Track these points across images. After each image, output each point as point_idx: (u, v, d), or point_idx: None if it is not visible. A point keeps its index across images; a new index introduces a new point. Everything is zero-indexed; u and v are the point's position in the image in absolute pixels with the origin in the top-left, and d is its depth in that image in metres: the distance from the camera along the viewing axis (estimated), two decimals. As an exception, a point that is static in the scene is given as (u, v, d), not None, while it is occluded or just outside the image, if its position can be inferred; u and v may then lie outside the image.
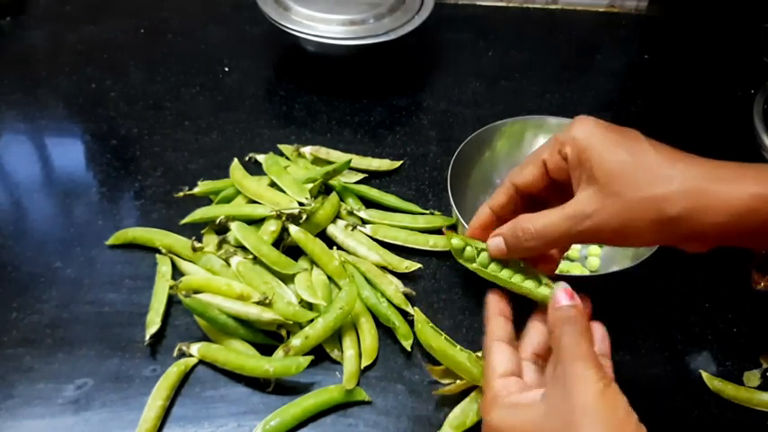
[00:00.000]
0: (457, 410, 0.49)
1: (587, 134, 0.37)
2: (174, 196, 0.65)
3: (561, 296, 0.38)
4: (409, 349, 0.54)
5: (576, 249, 0.62)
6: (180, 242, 0.59)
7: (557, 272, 0.46)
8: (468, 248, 0.44)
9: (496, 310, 0.42)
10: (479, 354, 0.52)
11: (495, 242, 0.42)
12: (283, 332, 0.53)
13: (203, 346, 0.53)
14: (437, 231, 0.63)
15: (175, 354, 0.53)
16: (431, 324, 0.53)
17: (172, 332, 0.55)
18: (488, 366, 0.39)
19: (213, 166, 0.69)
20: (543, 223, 0.38)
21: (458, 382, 0.50)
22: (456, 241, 0.44)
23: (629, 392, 0.52)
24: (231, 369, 0.51)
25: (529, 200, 0.42)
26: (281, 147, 0.70)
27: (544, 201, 0.42)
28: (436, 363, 0.52)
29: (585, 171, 0.37)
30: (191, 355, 0.53)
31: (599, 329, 0.41)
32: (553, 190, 0.41)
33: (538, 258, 0.43)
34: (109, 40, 0.85)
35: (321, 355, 0.54)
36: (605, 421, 0.32)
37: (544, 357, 0.41)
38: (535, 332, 0.42)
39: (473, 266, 0.44)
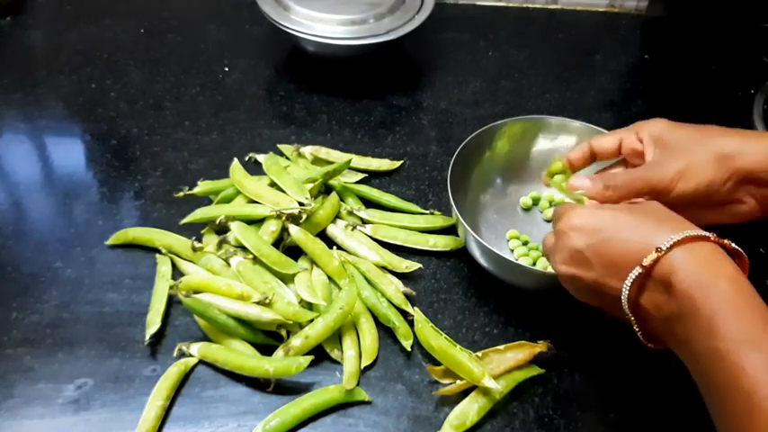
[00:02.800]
0: (457, 410, 0.49)
1: (660, 126, 0.48)
2: (174, 196, 0.65)
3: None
4: (409, 349, 0.54)
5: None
6: (180, 242, 0.59)
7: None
8: (559, 177, 0.54)
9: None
10: (479, 354, 0.52)
11: (587, 181, 0.50)
12: (283, 332, 0.53)
13: (203, 346, 0.53)
14: (437, 231, 0.63)
15: (175, 354, 0.53)
16: (431, 324, 0.53)
17: (172, 332, 0.55)
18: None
19: (213, 166, 0.69)
20: (625, 177, 0.48)
21: (458, 382, 0.50)
22: (559, 166, 0.54)
23: (629, 392, 0.53)
24: (231, 369, 0.51)
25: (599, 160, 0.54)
26: (281, 147, 0.70)
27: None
28: (436, 363, 0.52)
29: (658, 145, 0.47)
30: (191, 356, 0.53)
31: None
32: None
33: None
34: (109, 40, 0.85)
35: (321, 355, 0.54)
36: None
37: None
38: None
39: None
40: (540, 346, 0.52)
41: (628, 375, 0.54)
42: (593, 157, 0.53)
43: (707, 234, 0.37)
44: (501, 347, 0.52)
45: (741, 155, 0.44)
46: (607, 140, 0.52)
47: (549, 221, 0.65)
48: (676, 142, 0.46)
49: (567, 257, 0.43)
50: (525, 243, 0.62)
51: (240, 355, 0.52)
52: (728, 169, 0.44)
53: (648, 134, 0.48)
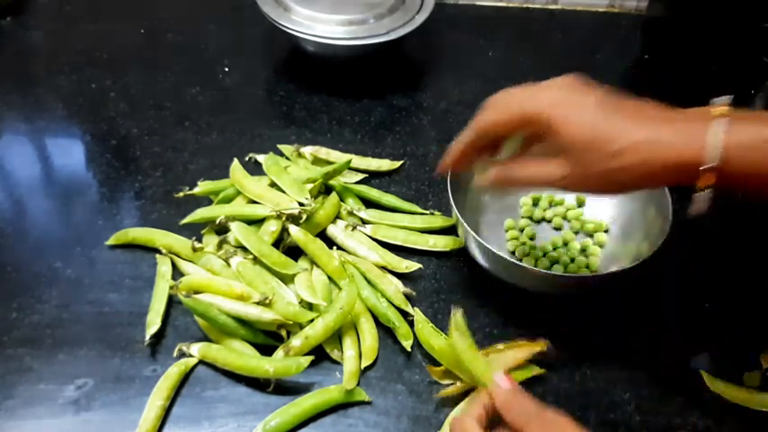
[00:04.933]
0: (457, 411, 0.50)
1: (552, 109, 0.42)
2: (174, 196, 0.65)
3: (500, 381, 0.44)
4: (409, 349, 0.54)
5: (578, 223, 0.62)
6: (180, 242, 0.59)
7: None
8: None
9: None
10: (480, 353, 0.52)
11: (490, 173, 0.48)
12: (283, 332, 0.53)
13: (203, 346, 0.53)
14: (437, 231, 0.63)
15: (175, 354, 0.53)
16: (431, 324, 0.53)
17: (172, 332, 0.55)
18: None
19: (213, 166, 0.69)
20: (529, 175, 0.45)
21: (458, 383, 0.50)
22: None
23: (629, 392, 0.53)
24: (231, 369, 0.51)
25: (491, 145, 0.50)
26: (281, 147, 0.70)
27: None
28: (436, 363, 0.52)
29: (554, 145, 0.42)
30: (191, 356, 0.53)
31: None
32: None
33: None
34: (109, 40, 0.85)
35: (321, 355, 0.54)
36: None
37: None
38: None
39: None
40: (540, 346, 0.52)
41: (628, 375, 0.54)
42: (484, 141, 0.49)
43: None
44: (500, 347, 0.53)
45: (655, 177, 0.40)
46: (499, 120, 0.47)
47: (549, 221, 0.65)
48: (575, 150, 0.41)
49: None
50: (532, 238, 0.63)
51: (241, 355, 0.52)
52: (620, 183, 0.42)
53: (542, 128, 0.43)
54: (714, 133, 0.36)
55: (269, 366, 0.50)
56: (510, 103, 0.46)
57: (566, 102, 0.42)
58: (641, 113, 0.41)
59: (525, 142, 0.49)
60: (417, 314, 0.54)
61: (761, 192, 0.37)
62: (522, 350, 0.52)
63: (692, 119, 0.39)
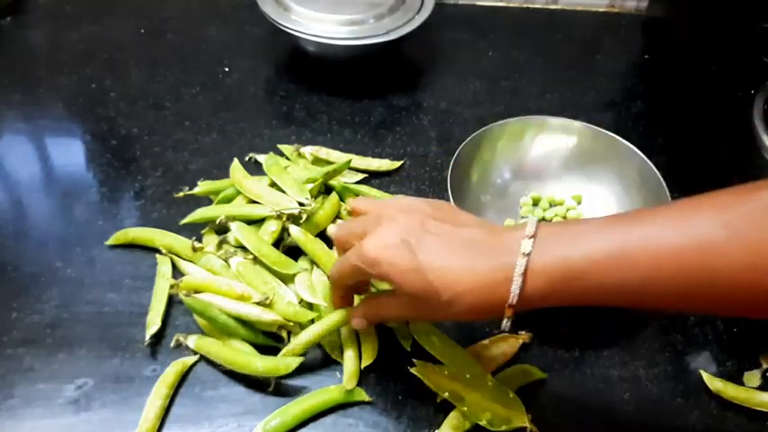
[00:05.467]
0: (457, 411, 0.49)
1: (390, 272, 0.41)
2: (174, 196, 0.65)
3: None
4: (409, 349, 0.54)
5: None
6: (180, 242, 0.59)
7: None
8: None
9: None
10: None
11: (359, 321, 0.49)
12: (284, 333, 0.53)
13: (199, 338, 0.53)
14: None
15: (173, 345, 0.53)
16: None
17: (172, 332, 0.55)
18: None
19: (213, 166, 0.69)
20: (386, 313, 0.48)
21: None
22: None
23: (629, 392, 0.53)
24: (224, 364, 0.51)
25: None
26: (281, 147, 0.70)
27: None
28: (437, 362, 0.52)
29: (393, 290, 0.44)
30: (187, 347, 0.53)
31: None
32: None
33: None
34: (109, 40, 0.85)
35: (321, 356, 0.54)
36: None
37: None
38: None
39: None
40: (523, 338, 0.53)
41: (628, 375, 0.54)
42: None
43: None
44: (486, 342, 0.53)
45: (483, 313, 0.42)
46: (342, 289, 0.50)
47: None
48: (415, 302, 0.43)
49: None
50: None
51: (234, 350, 0.52)
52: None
53: (380, 279, 0.46)
54: (517, 273, 0.39)
55: (259, 363, 0.50)
56: (345, 257, 0.46)
57: (392, 256, 0.41)
58: (458, 248, 0.41)
59: None
60: None
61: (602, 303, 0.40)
62: (506, 343, 0.53)
63: (502, 249, 0.40)
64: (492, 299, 0.39)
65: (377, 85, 0.80)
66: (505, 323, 0.40)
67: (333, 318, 0.51)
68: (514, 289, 0.38)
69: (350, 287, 0.50)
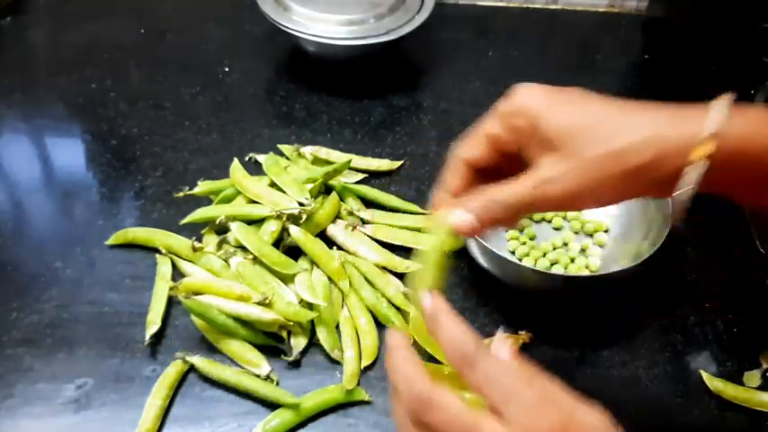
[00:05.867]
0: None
1: (534, 101, 0.36)
2: (174, 196, 0.65)
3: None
4: (409, 349, 0.54)
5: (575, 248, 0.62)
6: (180, 242, 0.59)
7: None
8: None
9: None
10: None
11: (462, 217, 0.37)
12: (284, 333, 0.53)
13: (202, 361, 0.52)
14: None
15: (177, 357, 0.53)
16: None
17: (172, 332, 0.55)
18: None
19: (213, 166, 0.69)
20: (511, 195, 0.36)
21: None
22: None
23: (629, 392, 0.53)
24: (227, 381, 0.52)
25: (480, 173, 0.40)
26: (281, 147, 0.70)
27: (495, 171, 0.40)
28: (437, 362, 0.52)
29: (541, 139, 0.36)
30: (191, 365, 0.53)
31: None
32: (504, 160, 0.39)
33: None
34: (109, 40, 0.85)
35: (321, 356, 0.54)
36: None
37: None
38: None
39: None
40: (523, 337, 0.53)
41: (628, 375, 0.54)
42: (475, 176, 0.40)
43: None
44: (486, 342, 0.53)
45: (654, 167, 0.34)
46: (477, 149, 0.39)
47: (549, 221, 0.65)
48: (566, 139, 0.35)
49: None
50: (532, 238, 0.63)
51: (235, 373, 0.52)
52: (638, 186, 0.35)
53: (523, 120, 0.36)
54: (718, 107, 0.35)
55: (265, 391, 0.50)
56: (483, 121, 0.39)
57: (546, 91, 0.37)
58: (631, 104, 0.37)
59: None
60: (413, 310, 0.55)
61: (750, 191, 0.35)
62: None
63: (691, 109, 0.37)
64: (683, 133, 0.34)
65: (377, 85, 0.80)
66: (685, 189, 0.33)
67: None
68: (715, 112, 0.33)
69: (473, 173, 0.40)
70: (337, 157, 0.69)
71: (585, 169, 0.35)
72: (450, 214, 0.37)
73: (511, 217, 0.37)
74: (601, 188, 0.35)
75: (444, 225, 0.38)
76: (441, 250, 0.38)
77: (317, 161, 0.69)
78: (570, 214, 0.64)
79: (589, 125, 0.35)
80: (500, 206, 0.37)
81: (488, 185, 0.38)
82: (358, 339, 0.54)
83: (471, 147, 0.39)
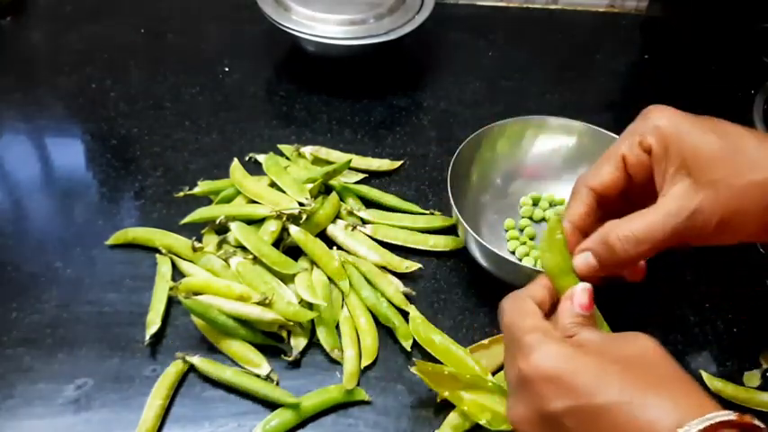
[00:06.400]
0: (457, 411, 0.49)
1: (671, 121, 0.34)
2: (174, 196, 0.65)
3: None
4: (409, 349, 0.54)
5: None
6: (180, 242, 0.59)
7: None
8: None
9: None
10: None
11: (584, 259, 0.37)
12: (284, 333, 0.53)
13: (202, 360, 0.52)
14: (437, 231, 0.63)
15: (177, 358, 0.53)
16: (427, 322, 0.54)
17: (172, 332, 0.55)
18: (520, 307, 0.37)
19: (213, 166, 0.69)
20: (643, 226, 0.34)
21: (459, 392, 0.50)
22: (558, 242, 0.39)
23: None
24: (228, 381, 0.51)
25: (603, 209, 0.38)
26: (281, 147, 0.70)
27: (618, 210, 0.37)
28: (437, 362, 0.52)
29: (675, 161, 0.33)
30: (192, 365, 0.53)
31: None
32: (624, 201, 0.38)
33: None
34: (109, 40, 0.85)
35: (321, 355, 0.54)
36: (672, 367, 0.31)
37: None
38: None
39: None
40: None
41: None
42: (601, 204, 0.38)
43: (731, 416, 0.28)
44: (485, 342, 0.53)
45: None
46: (606, 171, 0.37)
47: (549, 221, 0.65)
48: (705, 164, 0.32)
49: (535, 417, 0.32)
50: (532, 238, 0.63)
51: (236, 373, 0.52)
52: None
53: (658, 142, 0.34)
54: None
55: (266, 391, 0.50)
56: (612, 145, 0.37)
57: (681, 114, 0.34)
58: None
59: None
60: (413, 310, 0.55)
61: None
62: None
63: None
64: None
65: (377, 85, 0.80)
66: None
67: None
68: None
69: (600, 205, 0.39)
70: (337, 157, 0.69)
71: (726, 198, 0.32)
72: (575, 258, 0.37)
73: (646, 251, 0.35)
74: (744, 220, 0.33)
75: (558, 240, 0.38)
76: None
77: (317, 161, 0.69)
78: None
79: (729, 153, 0.33)
80: (630, 240, 0.34)
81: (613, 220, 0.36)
82: (358, 339, 0.54)
83: (599, 171, 0.38)
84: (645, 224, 0.34)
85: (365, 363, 0.53)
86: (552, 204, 0.65)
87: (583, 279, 0.38)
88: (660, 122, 0.35)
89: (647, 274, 0.57)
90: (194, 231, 0.61)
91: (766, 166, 0.32)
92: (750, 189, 0.32)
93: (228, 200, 0.62)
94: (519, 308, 0.36)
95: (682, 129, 0.34)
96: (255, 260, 0.57)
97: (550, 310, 0.38)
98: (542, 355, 0.32)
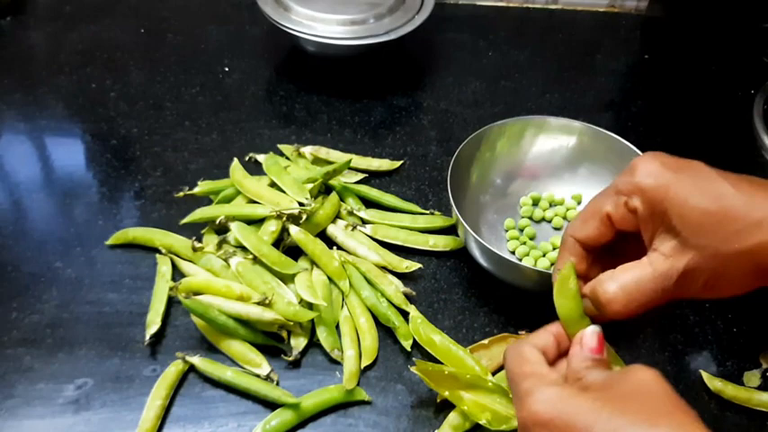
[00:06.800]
0: (457, 410, 0.49)
1: (656, 182, 0.34)
2: (174, 196, 0.65)
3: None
4: (409, 349, 0.54)
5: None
6: (180, 242, 0.59)
7: None
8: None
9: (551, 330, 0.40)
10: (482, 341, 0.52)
11: (588, 304, 0.38)
12: (284, 333, 0.53)
13: (202, 360, 0.52)
14: (437, 231, 0.63)
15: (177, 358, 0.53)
16: (427, 322, 0.54)
17: (172, 332, 0.55)
18: (520, 354, 0.37)
19: (213, 166, 0.69)
20: (630, 283, 0.35)
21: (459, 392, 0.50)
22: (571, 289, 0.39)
23: (629, 392, 0.53)
24: (228, 381, 0.51)
25: (595, 251, 0.39)
26: (281, 147, 0.70)
27: (611, 249, 0.39)
28: (437, 362, 0.52)
29: (662, 224, 0.34)
30: (192, 364, 0.53)
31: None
32: (620, 238, 0.38)
33: None
34: (109, 40, 0.85)
35: (321, 355, 0.54)
36: (669, 399, 0.31)
37: None
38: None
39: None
40: (523, 337, 0.53)
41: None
42: (591, 252, 0.40)
43: None
44: (485, 342, 0.53)
45: None
46: (591, 227, 0.38)
47: (549, 221, 0.65)
48: (693, 228, 0.33)
49: None
50: (532, 238, 0.63)
51: (236, 374, 0.52)
52: None
53: (644, 204, 0.35)
54: None
55: (266, 391, 0.50)
56: (597, 198, 0.38)
57: (667, 169, 0.34)
58: (760, 186, 0.33)
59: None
60: (413, 310, 0.55)
61: None
62: (507, 344, 0.53)
63: None
64: None
65: (377, 85, 0.80)
66: None
67: None
68: None
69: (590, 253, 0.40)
70: (337, 157, 0.69)
71: (714, 263, 0.33)
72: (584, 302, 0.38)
73: (635, 309, 0.35)
74: (730, 282, 0.33)
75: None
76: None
77: (317, 161, 0.69)
78: (570, 214, 0.64)
79: (716, 219, 0.32)
80: (617, 298, 0.35)
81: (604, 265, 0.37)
82: (358, 339, 0.54)
83: (585, 225, 0.38)
84: (630, 281, 0.35)
85: (365, 363, 0.53)
86: (552, 204, 0.65)
87: (595, 322, 0.38)
88: (646, 183, 0.34)
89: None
90: (194, 231, 0.61)
91: (752, 232, 0.32)
92: (736, 257, 0.32)
93: (228, 200, 0.62)
94: (518, 354, 0.37)
95: (668, 190, 0.34)
96: (255, 260, 0.57)
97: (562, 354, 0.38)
98: (535, 401, 0.33)
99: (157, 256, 0.59)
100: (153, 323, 0.54)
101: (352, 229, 0.61)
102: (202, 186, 0.64)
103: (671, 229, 0.34)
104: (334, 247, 0.60)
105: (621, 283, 0.35)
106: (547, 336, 0.39)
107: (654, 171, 0.34)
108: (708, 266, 0.33)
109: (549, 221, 0.65)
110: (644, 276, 0.34)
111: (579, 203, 0.65)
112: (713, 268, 0.33)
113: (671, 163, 0.35)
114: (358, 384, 0.52)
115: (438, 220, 0.63)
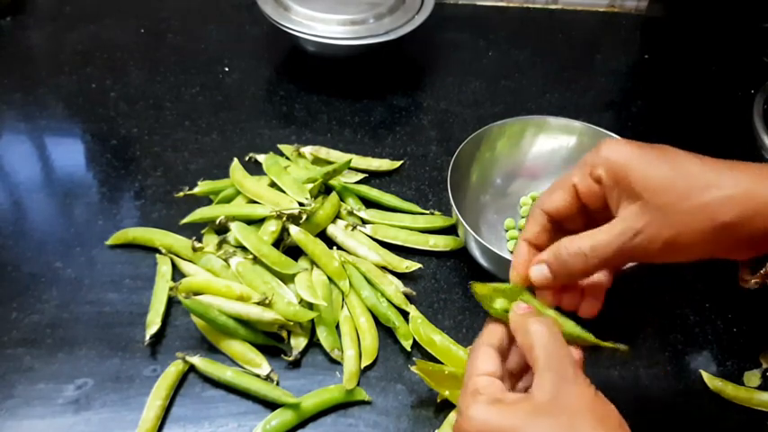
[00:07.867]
0: (452, 416, 0.49)
1: (620, 153, 0.36)
2: (174, 196, 0.65)
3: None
4: (409, 349, 0.54)
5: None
6: (180, 242, 0.59)
7: None
8: (499, 301, 0.40)
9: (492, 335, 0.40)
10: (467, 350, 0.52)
11: (539, 270, 0.39)
12: (284, 333, 0.53)
13: (202, 360, 0.52)
14: (437, 231, 0.63)
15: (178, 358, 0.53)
16: (428, 322, 0.54)
17: (172, 332, 0.55)
18: (472, 363, 0.38)
19: (213, 166, 0.69)
20: (591, 243, 0.36)
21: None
22: (482, 290, 0.40)
23: (629, 392, 0.53)
24: (228, 381, 0.51)
25: (559, 229, 0.40)
26: (281, 147, 0.70)
27: (580, 228, 0.39)
28: (437, 362, 0.52)
29: (625, 190, 0.35)
30: (192, 364, 0.53)
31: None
32: (583, 218, 0.39)
33: (579, 301, 0.41)
34: (109, 40, 0.85)
35: (321, 355, 0.54)
36: (601, 423, 0.33)
37: (518, 377, 0.40)
38: (514, 355, 0.41)
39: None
40: None
41: (628, 375, 0.54)
42: (555, 225, 0.40)
43: None
44: None
45: (744, 225, 0.33)
46: (557, 196, 0.39)
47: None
48: (653, 191, 0.34)
49: None
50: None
51: (237, 374, 0.52)
52: (727, 244, 0.34)
53: (608, 172, 0.36)
54: None
55: (266, 391, 0.50)
56: (566, 173, 0.39)
57: (632, 146, 0.36)
58: (720, 161, 0.35)
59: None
60: (413, 310, 0.55)
61: None
62: None
63: None
64: None
65: (377, 85, 0.80)
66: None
67: None
68: None
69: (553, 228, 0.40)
70: (337, 156, 0.69)
71: (672, 221, 0.34)
72: (532, 270, 0.39)
73: (594, 266, 0.37)
74: (690, 242, 0.34)
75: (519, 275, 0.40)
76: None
77: (317, 161, 0.69)
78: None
79: (678, 179, 0.34)
80: (579, 255, 0.36)
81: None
82: (358, 339, 0.54)
83: (551, 195, 0.39)
84: (593, 241, 0.36)
85: (365, 363, 0.53)
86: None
87: (538, 290, 0.40)
88: (610, 154, 0.36)
89: (648, 274, 0.57)
90: (194, 231, 0.61)
91: (710, 188, 0.33)
92: (696, 210, 0.33)
93: (228, 200, 0.62)
94: (470, 363, 0.38)
95: (631, 159, 0.35)
96: (255, 260, 0.57)
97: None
98: (466, 418, 0.34)
99: (157, 256, 0.59)
100: (153, 323, 0.54)
101: (352, 229, 0.61)
102: (202, 186, 0.64)
103: (633, 194, 0.35)
104: (335, 247, 0.60)
105: (582, 243, 0.37)
106: (499, 328, 0.39)
107: (618, 146, 0.36)
108: (667, 225, 0.34)
109: (549, 221, 0.65)
110: (604, 236, 0.36)
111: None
112: (672, 226, 0.34)
113: (634, 142, 0.37)
114: (358, 384, 0.52)
115: (438, 220, 0.63)
